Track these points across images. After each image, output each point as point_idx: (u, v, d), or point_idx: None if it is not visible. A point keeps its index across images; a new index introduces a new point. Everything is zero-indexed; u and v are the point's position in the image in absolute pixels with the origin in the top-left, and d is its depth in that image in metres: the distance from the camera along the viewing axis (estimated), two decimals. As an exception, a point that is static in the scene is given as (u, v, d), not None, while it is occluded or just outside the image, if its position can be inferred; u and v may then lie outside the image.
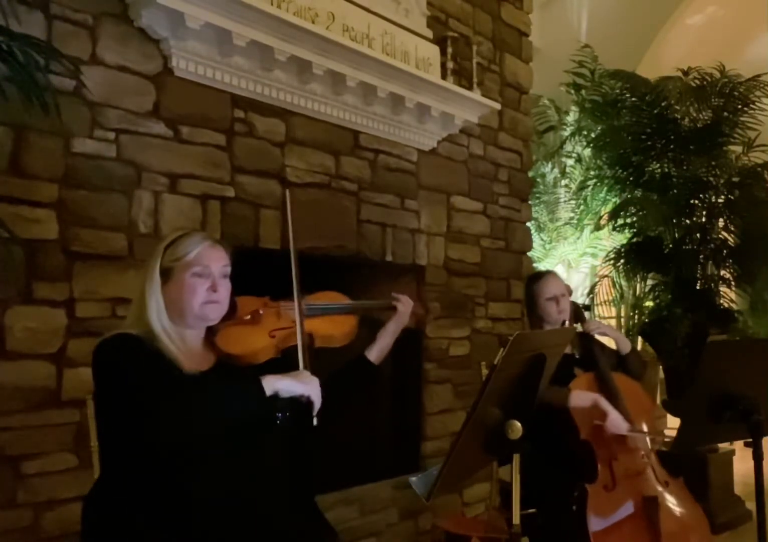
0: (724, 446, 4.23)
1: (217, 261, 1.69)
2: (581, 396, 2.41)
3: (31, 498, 2.08)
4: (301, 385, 1.59)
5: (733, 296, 4.83)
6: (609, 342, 2.79)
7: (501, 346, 1.54)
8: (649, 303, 5.09)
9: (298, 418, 1.61)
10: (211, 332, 1.74)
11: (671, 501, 2.39)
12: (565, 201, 5.92)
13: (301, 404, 1.59)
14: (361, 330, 1.96)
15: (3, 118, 2.03)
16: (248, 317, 1.78)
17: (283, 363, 1.73)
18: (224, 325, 1.74)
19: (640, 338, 5.70)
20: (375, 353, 1.92)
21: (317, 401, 1.61)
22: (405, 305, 1.97)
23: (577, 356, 2.67)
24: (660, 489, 2.40)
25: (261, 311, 1.80)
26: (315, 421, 1.62)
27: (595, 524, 2.23)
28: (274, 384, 1.54)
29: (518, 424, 1.55)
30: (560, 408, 2.37)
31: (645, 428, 2.53)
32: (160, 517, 1.50)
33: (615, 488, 2.33)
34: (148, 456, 1.50)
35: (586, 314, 2.87)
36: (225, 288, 1.70)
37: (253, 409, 1.54)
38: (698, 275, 4.64)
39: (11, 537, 2.03)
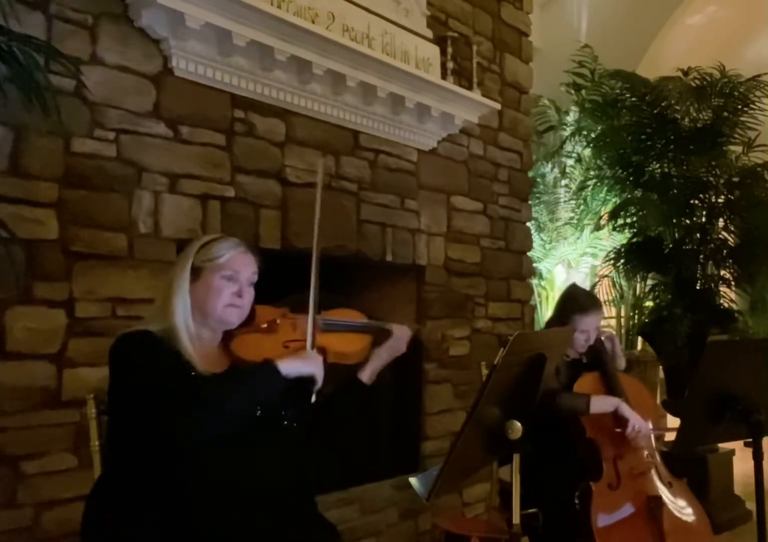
0: (724, 446, 4.23)
1: (247, 268, 1.72)
2: (602, 403, 2.40)
3: (31, 498, 2.08)
4: (307, 366, 1.65)
5: (733, 296, 4.83)
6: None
7: (501, 346, 1.54)
8: (649, 303, 5.09)
9: (298, 398, 1.67)
10: (227, 337, 1.75)
11: (674, 501, 2.40)
12: (565, 201, 5.91)
13: (303, 383, 1.64)
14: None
15: (3, 118, 2.03)
16: (265, 325, 1.79)
17: None
18: (241, 332, 1.76)
19: (640, 338, 5.70)
20: (367, 374, 1.88)
21: (320, 380, 1.67)
22: (399, 331, 1.92)
23: (584, 361, 2.67)
24: (663, 489, 2.40)
25: (278, 321, 1.81)
26: (313, 398, 1.67)
27: (599, 521, 2.24)
28: (288, 366, 1.61)
29: (518, 424, 1.55)
30: (581, 414, 2.37)
31: (650, 427, 2.53)
32: (161, 517, 1.50)
33: (619, 487, 2.34)
34: (154, 454, 1.51)
35: None
36: (249, 295, 1.73)
37: (273, 389, 1.61)
38: (698, 275, 4.64)
39: (11, 537, 2.03)
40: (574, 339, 2.57)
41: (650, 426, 2.43)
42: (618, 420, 2.39)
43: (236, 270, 1.69)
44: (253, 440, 1.63)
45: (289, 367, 1.62)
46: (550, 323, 2.73)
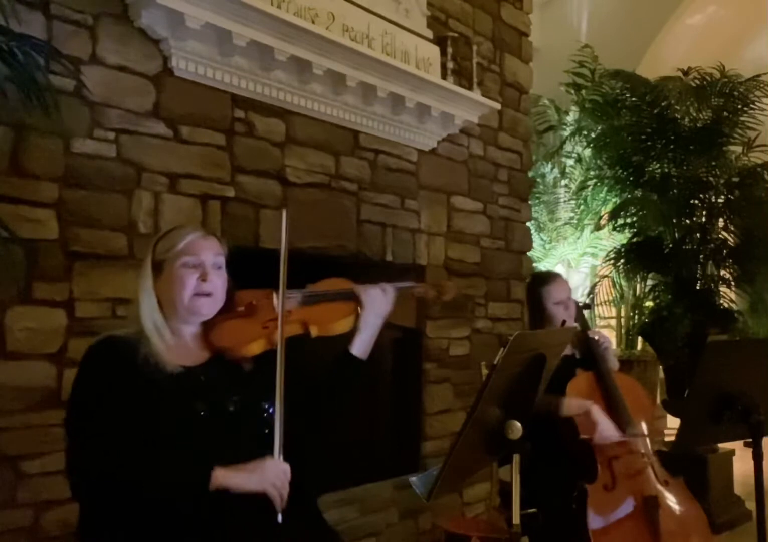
0: (724, 446, 4.23)
1: (209, 251, 1.66)
2: (573, 405, 2.40)
3: (31, 498, 2.07)
4: (258, 482, 1.49)
5: (733, 296, 4.83)
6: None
7: (501, 346, 1.54)
8: (649, 303, 5.09)
9: (257, 517, 1.51)
10: (206, 326, 1.70)
11: (671, 501, 2.39)
12: (565, 201, 5.92)
13: (259, 500, 1.50)
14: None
15: (3, 118, 2.02)
16: (242, 309, 1.74)
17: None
18: (219, 319, 1.70)
19: (640, 338, 5.70)
20: (357, 346, 1.76)
21: (277, 497, 1.50)
22: (366, 295, 1.79)
23: (577, 357, 2.68)
24: (660, 488, 2.40)
25: (254, 302, 1.75)
26: (280, 518, 1.51)
27: (595, 523, 2.24)
28: (225, 481, 1.47)
29: (518, 424, 1.55)
30: (554, 416, 2.37)
31: (644, 427, 2.53)
32: (157, 519, 1.49)
33: (615, 487, 2.34)
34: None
35: (585, 312, 2.88)
36: (218, 280, 1.66)
37: (188, 499, 1.47)
38: (698, 275, 4.64)
39: (11, 537, 2.03)
40: (554, 314, 2.65)
41: (618, 433, 2.39)
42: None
43: (196, 254, 1.62)
44: (249, 441, 1.62)
45: (230, 482, 1.47)
46: (531, 311, 2.82)
